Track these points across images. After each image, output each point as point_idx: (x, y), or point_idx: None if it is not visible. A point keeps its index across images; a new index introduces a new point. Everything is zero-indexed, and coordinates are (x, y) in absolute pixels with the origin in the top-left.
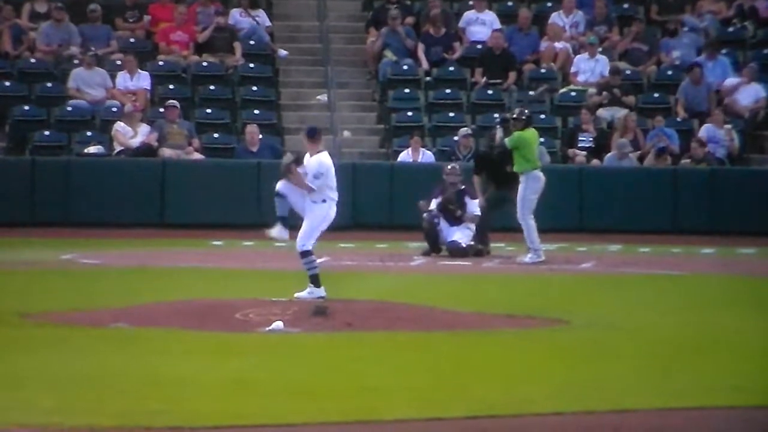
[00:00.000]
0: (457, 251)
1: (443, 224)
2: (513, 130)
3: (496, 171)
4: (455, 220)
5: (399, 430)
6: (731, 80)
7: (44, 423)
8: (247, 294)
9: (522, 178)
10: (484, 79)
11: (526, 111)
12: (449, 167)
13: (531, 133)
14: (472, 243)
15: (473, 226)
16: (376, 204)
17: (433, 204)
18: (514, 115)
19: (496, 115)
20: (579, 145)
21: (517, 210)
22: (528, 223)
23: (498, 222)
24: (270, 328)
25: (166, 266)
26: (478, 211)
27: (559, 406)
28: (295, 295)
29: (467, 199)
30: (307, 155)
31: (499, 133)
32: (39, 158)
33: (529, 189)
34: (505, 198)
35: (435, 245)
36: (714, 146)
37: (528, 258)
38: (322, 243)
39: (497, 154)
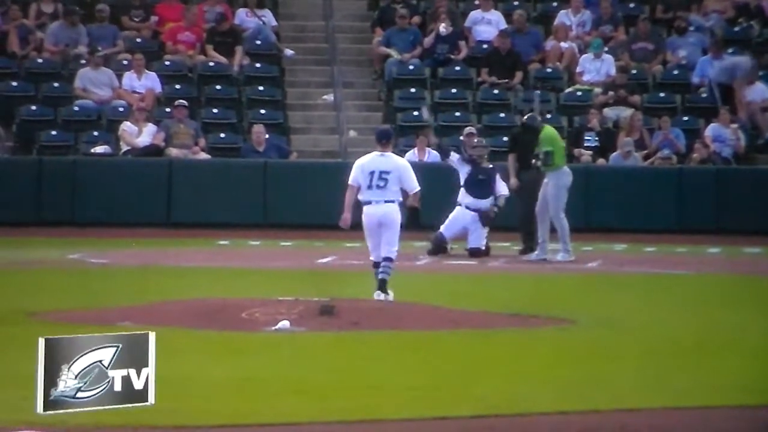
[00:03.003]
0: (479, 253)
1: (467, 199)
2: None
3: (525, 152)
4: (481, 194)
5: (404, 429)
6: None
7: (49, 422)
8: (254, 293)
9: (552, 176)
10: (494, 77)
11: (537, 116)
12: (476, 140)
13: (551, 129)
14: (487, 244)
15: (486, 230)
16: None
17: (460, 167)
18: (527, 124)
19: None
20: (585, 145)
21: (550, 209)
22: (561, 222)
23: (502, 221)
24: (276, 327)
25: (172, 265)
26: (506, 191)
27: (564, 405)
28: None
29: (497, 177)
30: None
31: (538, 150)
32: (46, 158)
33: (561, 185)
34: (534, 189)
35: (442, 248)
36: (720, 145)
37: (560, 256)
38: (328, 242)
39: (529, 139)
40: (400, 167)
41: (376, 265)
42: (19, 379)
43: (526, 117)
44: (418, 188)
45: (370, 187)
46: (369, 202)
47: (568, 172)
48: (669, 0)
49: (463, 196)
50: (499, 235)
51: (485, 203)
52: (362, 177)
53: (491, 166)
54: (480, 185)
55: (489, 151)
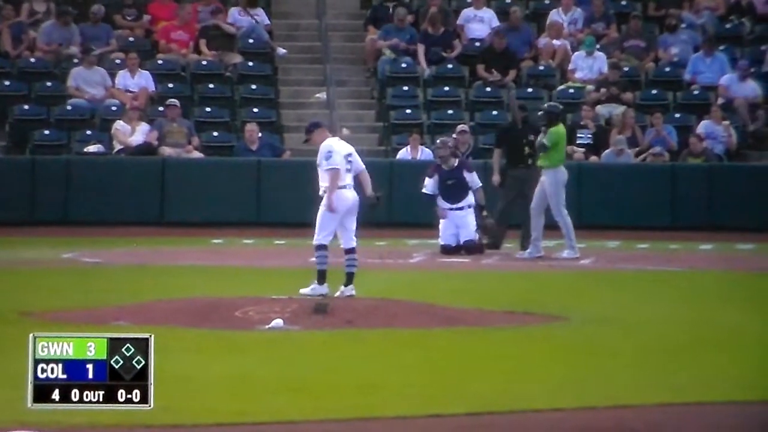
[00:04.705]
0: (473, 247)
1: (443, 204)
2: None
3: (514, 148)
4: (456, 197)
5: (399, 427)
6: (727, 77)
7: (44, 421)
8: (247, 292)
9: (549, 173)
10: (494, 71)
11: (560, 106)
12: (438, 141)
13: (563, 128)
14: (479, 235)
15: (473, 217)
16: None
17: (429, 184)
18: (549, 110)
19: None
20: (578, 142)
21: (551, 207)
22: (565, 220)
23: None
24: (270, 325)
25: (166, 264)
26: (478, 182)
27: (559, 403)
28: (300, 291)
29: (465, 173)
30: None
31: (541, 137)
32: (39, 157)
33: (559, 183)
34: (521, 187)
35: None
36: (712, 142)
37: (566, 254)
38: None
39: (520, 131)
40: (353, 149)
41: (323, 248)
42: (13, 379)
43: (547, 105)
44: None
45: (347, 171)
46: (344, 186)
47: (564, 170)
48: None
49: (441, 203)
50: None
51: (464, 204)
52: (342, 161)
53: (456, 163)
54: (451, 189)
55: (451, 151)
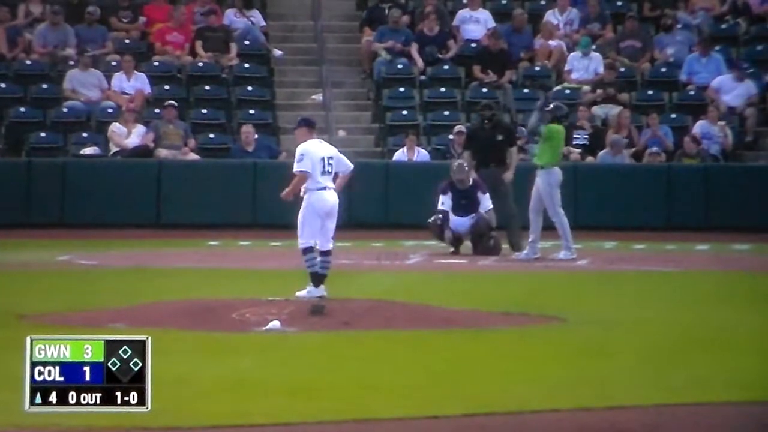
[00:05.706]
0: (482, 227)
1: (455, 219)
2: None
3: (482, 148)
4: (467, 212)
5: (396, 428)
6: (721, 78)
7: (41, 424)
8: (244, 294)
9: (542, 174)
10: (489, 72)
11: (566, 109)
12: (456, 164)
13: (561, 128)
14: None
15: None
16: (371, 203)
17: (446, 201)
18: (550, 108)
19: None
20: (574, 143)
21: (547, 208)
22: (561, 220)
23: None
24: (266, 327)
25: (162, 266)
26: (491, 205)
27: (556, 404)
28: (296, 293)
29: (479, 194)
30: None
31: (534, 117)
32: (35, 160)
33: (552, 184)
34: (492, 186)
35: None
36: (708, 143)
37: (562, 255)
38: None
39: (488, 131)
40: (336, 151)
41: (310, 250)
42: (10, 382)
43: (553, 106)
44: (352, 165)
45: (323, 173)
46: (324, 188)
47: (558, 171)
48: None
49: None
50: None
51: (468, 219)
52: (316, 163)
53: (471, 183)
54: (463, 208)
55: (471, 174)
